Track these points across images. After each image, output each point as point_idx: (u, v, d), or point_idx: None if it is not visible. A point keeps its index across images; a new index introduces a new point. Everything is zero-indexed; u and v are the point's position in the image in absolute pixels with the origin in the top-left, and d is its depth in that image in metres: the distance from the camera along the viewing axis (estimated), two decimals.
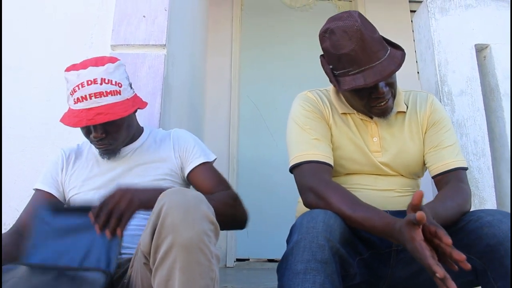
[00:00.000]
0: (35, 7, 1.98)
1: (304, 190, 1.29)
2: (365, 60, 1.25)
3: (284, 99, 3.57)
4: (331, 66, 1.33)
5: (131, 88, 1.42)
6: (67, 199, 1.43)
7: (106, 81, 1.30)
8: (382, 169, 1.39)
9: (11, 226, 1.39)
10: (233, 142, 3.46)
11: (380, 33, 1.32)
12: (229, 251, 3.23)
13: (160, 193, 1.00)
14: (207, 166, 1.44)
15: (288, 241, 1.19)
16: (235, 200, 1.36)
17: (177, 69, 2.02)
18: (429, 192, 1.45)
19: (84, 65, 1.33)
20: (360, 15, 1.28)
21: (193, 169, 1.43)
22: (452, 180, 1.33)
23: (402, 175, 1.41)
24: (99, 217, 1.06)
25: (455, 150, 1.38)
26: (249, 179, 3.48)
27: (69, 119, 1.30)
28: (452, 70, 1.89)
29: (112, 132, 1.35)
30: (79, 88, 1.29)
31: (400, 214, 1.33)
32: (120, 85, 1.34)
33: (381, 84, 1.27)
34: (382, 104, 1.32)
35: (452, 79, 1.88)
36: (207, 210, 0.97)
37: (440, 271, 0.96)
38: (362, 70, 1.26)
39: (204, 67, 3.29)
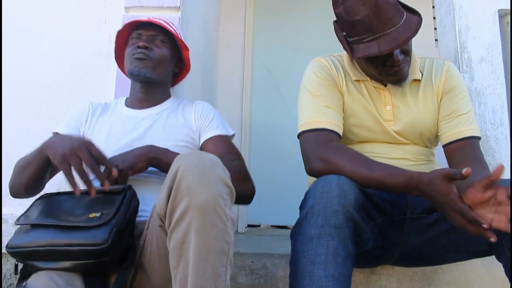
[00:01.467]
0: None
1: (309, 157, 1.26)
2: (379, 26, 1.21)
3: (298, 65, 3.50)
4: (344, 33, 1.29)
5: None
6: None
7: (174, 27, 1.52)
8: (395, 138, 1.37)
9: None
10: (246, 108, 3.45)
11: None
12: (240, 217, 3.27)
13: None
14: (222, 138, 1.43)
15: (301, 207, 1.19)
16: (240, 173, 1.33)
17: (191, 32, 1.99)
18: (443, 162, 1.43)
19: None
20: None
21: (207, 139, 1.42)
22: (469, 152, 1.30)
23: (415, 144, 1.39)
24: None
25: (470, 118, 1.35)
26: (261, 145, 3.48)
27: (131, 21, 1.47)
28: (473, 36, 1.84)
29: (157, 50, 1.43)
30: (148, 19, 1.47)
31: None
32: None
33: (396, 51, 1.24)
34: (397, 71, 1.29)
35: (473, 45, 1.83)
36: (223, 173, 0.96)
37: (484, 221, 0.97)
38: (377, 37, 1.22)
39: (217, 33, 3.24)
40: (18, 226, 1.12)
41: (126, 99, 1.54)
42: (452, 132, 1.34)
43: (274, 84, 3.56)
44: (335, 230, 1.04)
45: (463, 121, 1.34)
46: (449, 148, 1.35)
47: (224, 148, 1.39)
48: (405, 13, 1.25)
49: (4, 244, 1.10)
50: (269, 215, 3.38)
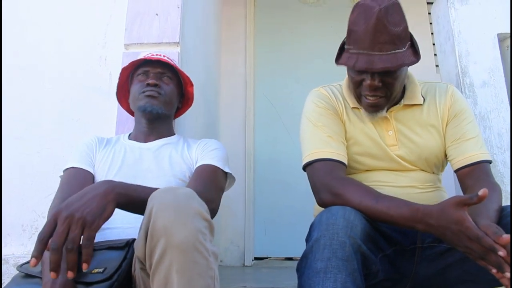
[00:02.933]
0: (47, 7, 1.98)
1: (318, 188, 1.25)
2: (367, 44, 1.21)
3: (299, 95, 3.51)
4: (344, 39, 1.31)
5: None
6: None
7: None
8: (400, 164, 1.35)
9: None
10: (249, 139, 3.43)
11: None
12: (247, 250, 3.21)
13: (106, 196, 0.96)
14: (211, 168, 1.37)
15: (307, 239, 1.15)
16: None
17: (191, 67, 2.00)
18: (450, 188, 1.40)
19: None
20: (394, 4, 1.22)
21: (197, 166, 1.38)
22: (481, 176, 1.27)
23: (422, 170, 1.37)
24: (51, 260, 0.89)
25: (479, 142, 1.33)
26: (266, 176, 3.45)
27: (139, 59, 1.51)
28: (474, 61, 1.84)
29: (165, 87, 1.47)
30: (154, 54, 1.52)
31: None
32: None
33: (375, 77, 1.23)
34: (371, 98, 1.28)
35: (474, 70, 1.82)
36: (199, 207, 0.93)
37: (503, 250, 0.93)
38: (360, 53, 1.22)
39: (218, 65, 3.27)
40: (19, 271, 1.10)
41: (130, 134, 1.55)
42: (462, 157, 1.32)
43: (277, 115, 3.56)
44: (342, 263, 1.01)
45: (473, 145, 1.32)
46: (461, 173, 1.33)
47: (206, 177, 1.33)
48: (403, 48, 1.24)
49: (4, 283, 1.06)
50: (277, 247, 3.32)
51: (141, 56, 1.52)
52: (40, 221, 1.76)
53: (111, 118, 1.81)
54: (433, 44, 3.20)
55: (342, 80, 1.45)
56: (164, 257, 0.87)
